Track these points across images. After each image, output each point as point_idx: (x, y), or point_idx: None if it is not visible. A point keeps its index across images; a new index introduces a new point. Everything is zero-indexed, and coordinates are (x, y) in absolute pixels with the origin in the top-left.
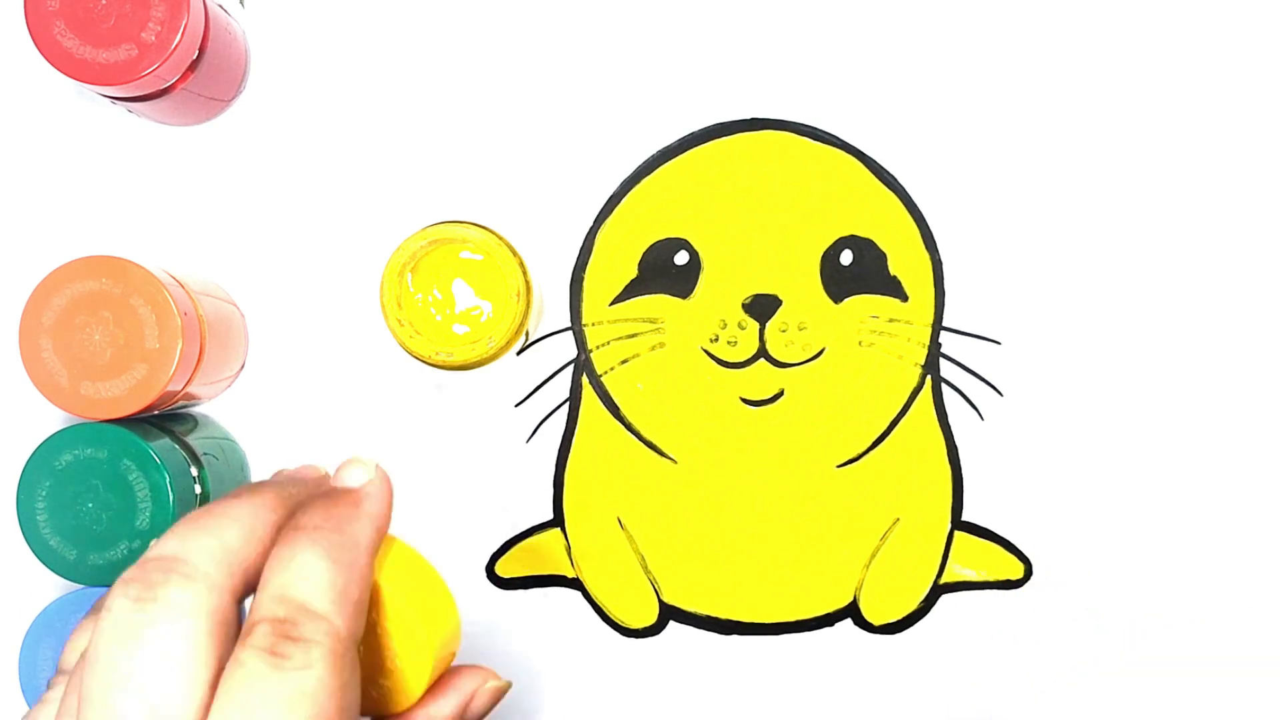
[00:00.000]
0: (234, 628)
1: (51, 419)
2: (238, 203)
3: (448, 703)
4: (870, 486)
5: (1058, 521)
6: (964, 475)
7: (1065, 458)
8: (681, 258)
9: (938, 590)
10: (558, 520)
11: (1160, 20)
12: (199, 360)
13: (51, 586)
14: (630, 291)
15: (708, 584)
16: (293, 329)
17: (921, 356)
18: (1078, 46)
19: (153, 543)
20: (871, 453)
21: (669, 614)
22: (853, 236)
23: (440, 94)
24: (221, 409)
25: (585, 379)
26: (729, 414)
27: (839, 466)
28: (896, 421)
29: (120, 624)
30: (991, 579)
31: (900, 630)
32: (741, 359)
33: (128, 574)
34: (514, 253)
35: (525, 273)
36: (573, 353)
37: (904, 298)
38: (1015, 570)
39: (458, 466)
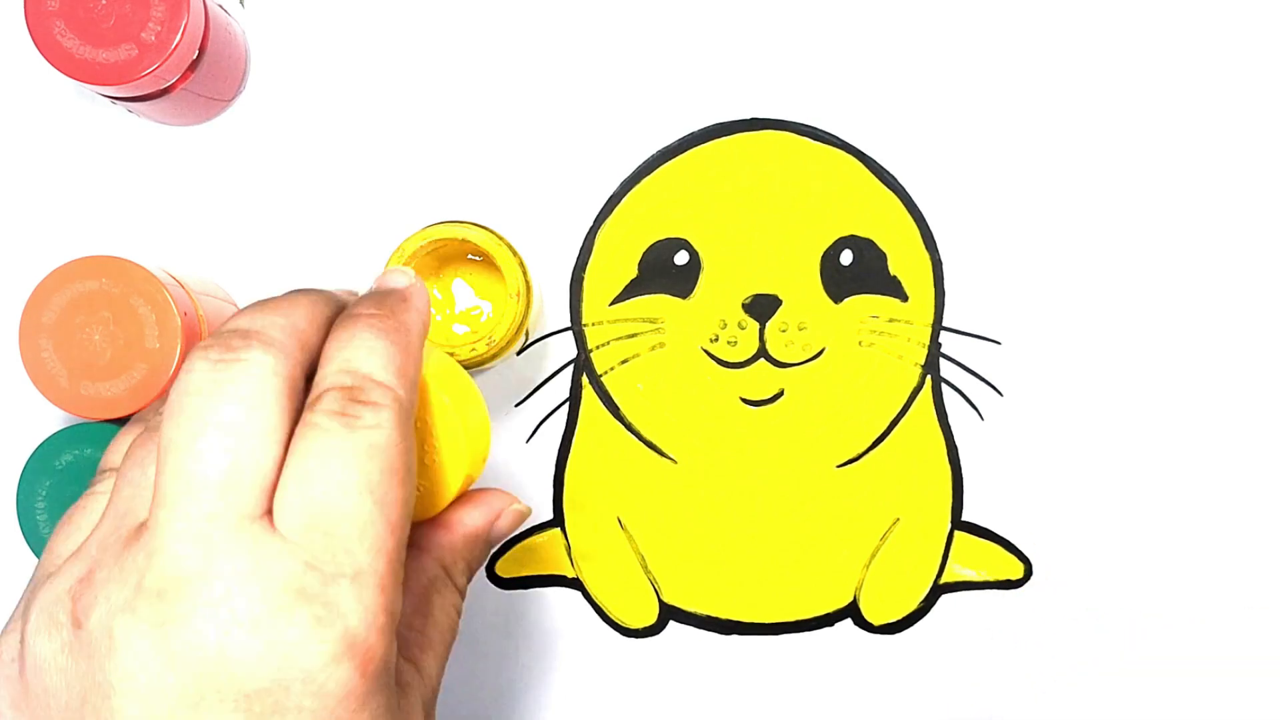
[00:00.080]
0: (301, 398)
1: (51, 419)
2: (238, 203)
3: (479, 513)
4: (870, 486)
5: (1058, 521)
6: (964, 475)
7: (1065, 458)
8: (681, 258)
9: (938, 590)
10: (558, 520)
11: (1160, 20)
12: None
13: None
14: (630, 291)
15: (708, 584)
16: None
17: (921, 356)
18: (1078, 46)
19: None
20: (871, 453)
21: (669, 614)
22: (853, 236)
23: (440, 94)
24: None
25: (585, 379)
26: (729, 414)
27: (839, 466)
28: (896, 421)
29: (202, 379)
30: (991, 579)
31: (900, 630)
32: (741, 359)
33: (205, 342)
34: (514, 253)
35: (525, 273)
36: (573, 353)
37: (904, 298)
38: (1015, 570)
39: None
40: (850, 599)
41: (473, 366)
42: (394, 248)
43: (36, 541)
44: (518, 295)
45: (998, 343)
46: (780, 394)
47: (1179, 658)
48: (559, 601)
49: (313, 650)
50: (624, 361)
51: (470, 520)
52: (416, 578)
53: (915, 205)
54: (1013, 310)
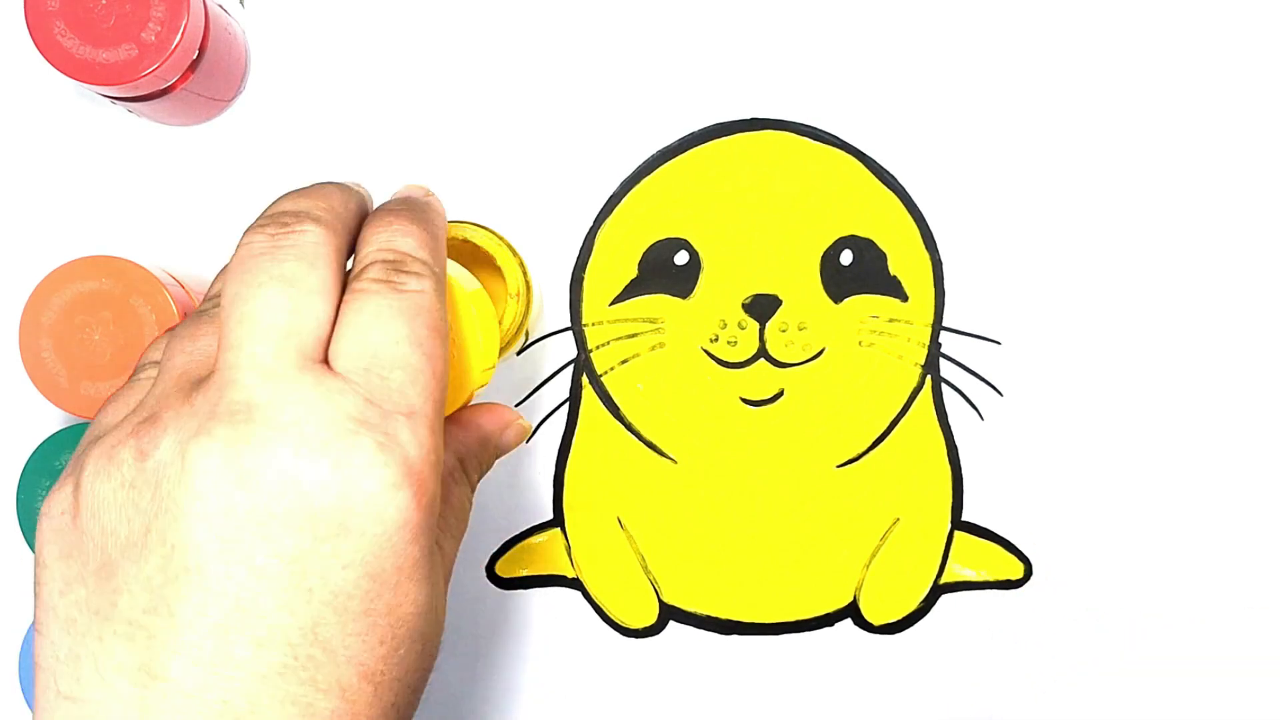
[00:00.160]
0: (345, 272)
1: (51, 419)
2: (238, 203)
3: (491, 418)
4: (870, 486)
5: (1058, 521)
6: (964, 475)
7: (1065, 458)
8: (681, 258)
9: (938, 590)
10: (558, 520)
11: (1160, 20)
12: None
13: None
14: (630, 291)
15: (708, 584)
16: None
17: (921, 356)
18: (1078, 47)
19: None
20: (871, 453)
21: (669, 614)
22: (853, 236)
23: (440, 94)
24: None
25: (585, 379)
26: (729, 414)
27: (839, 466)
28: (896, 421)
29: (262, 245)
30: (991, 579)
31: (900, 630)
32: (741, 359)
33: (257, 222)
34: (514, 253)
35: (525, 273)
36: (573, 353)
37: (904, 298)
38: (1015, 570)
39: None
40: (850, 599)
41: None
42: None
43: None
44: (518, 295)
45: (998, 343)
46: (780, 394)
47: (1179, 658)
48: (559, 601)
49: (376, 475)
50: (624, 361)
51: (484, 423)
52: None
53: (915, 205)
54: (1013, 310)
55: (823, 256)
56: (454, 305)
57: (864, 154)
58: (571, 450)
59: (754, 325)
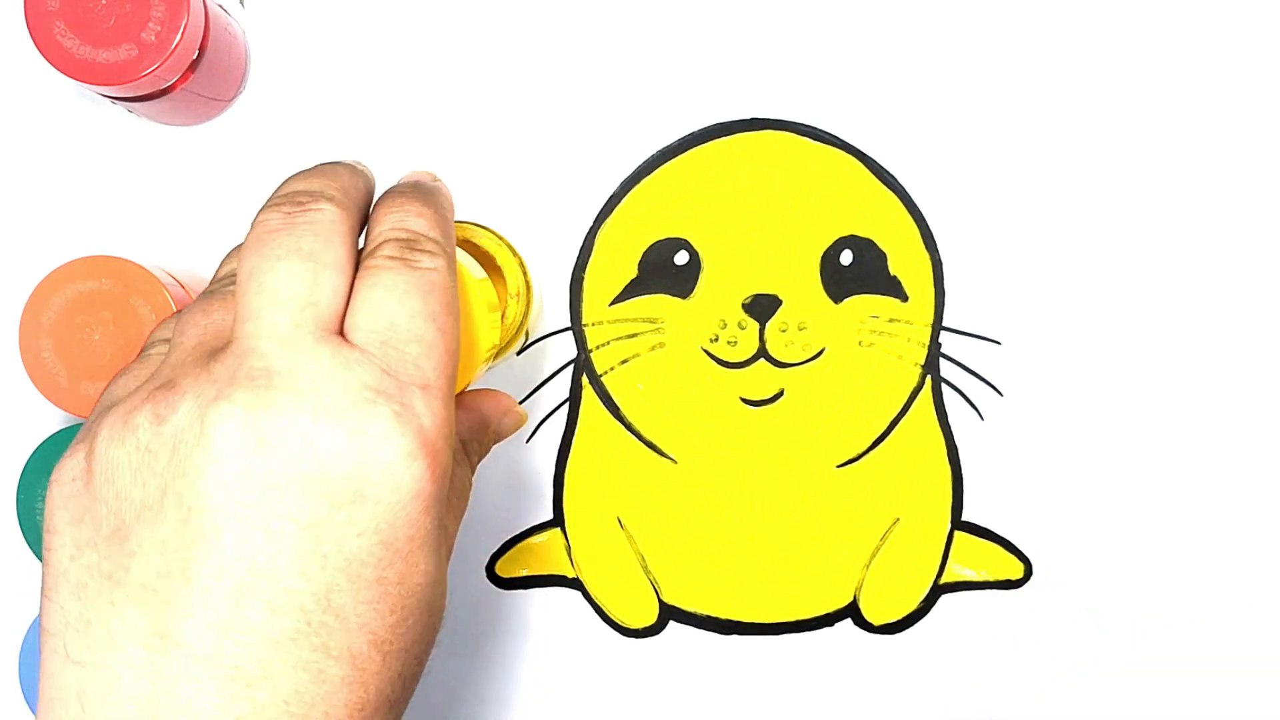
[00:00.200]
0: (358, 251)
1: (51, 419)
2: (238, 203)
3: (491, 403)
4: (870, 486)
5: (1058, 521)
6: (964, 475)
7: (1065, 458)
8: (681, 258)
9: (938, 590)
10: (558, 520)
11: (1160, 20)
12: None
13: None
14: (630, 291)
15: (708, 584)
16: None
17: (921, 356)
18: (1078, 47)
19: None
20: (871, 453)
21: (669, 614)
22: (853, 236)
23: (440, 94)
24: None
25: (585, 379)
26: (729, 414)
27: (839, 466)
28: (896, 421)
29: (279, 221)
30: (991, 579)
31: (900, 630)
32: (741, 359)
33: (271, 201)
34: (514, 253)
35: (525, 273)
36: (573, 353)
37: (904, 298)
38: (1015, 570)
39: None
40: (850, 599)
41: None
42: None
43: (36, 541)
44: (518, 295)
45: (998, 343)
46: (780, 394)
47: (1179, 658)
48: (559, 601)
49: (392, 444)
50: (624, 361)
51: (485, 407)
52: None
53: (915, 205)
54: (1013, 310)
55: (823, 256)
56: (463, 289)
57: (864, 154)
58: (571, 450)
59: (754, 325)
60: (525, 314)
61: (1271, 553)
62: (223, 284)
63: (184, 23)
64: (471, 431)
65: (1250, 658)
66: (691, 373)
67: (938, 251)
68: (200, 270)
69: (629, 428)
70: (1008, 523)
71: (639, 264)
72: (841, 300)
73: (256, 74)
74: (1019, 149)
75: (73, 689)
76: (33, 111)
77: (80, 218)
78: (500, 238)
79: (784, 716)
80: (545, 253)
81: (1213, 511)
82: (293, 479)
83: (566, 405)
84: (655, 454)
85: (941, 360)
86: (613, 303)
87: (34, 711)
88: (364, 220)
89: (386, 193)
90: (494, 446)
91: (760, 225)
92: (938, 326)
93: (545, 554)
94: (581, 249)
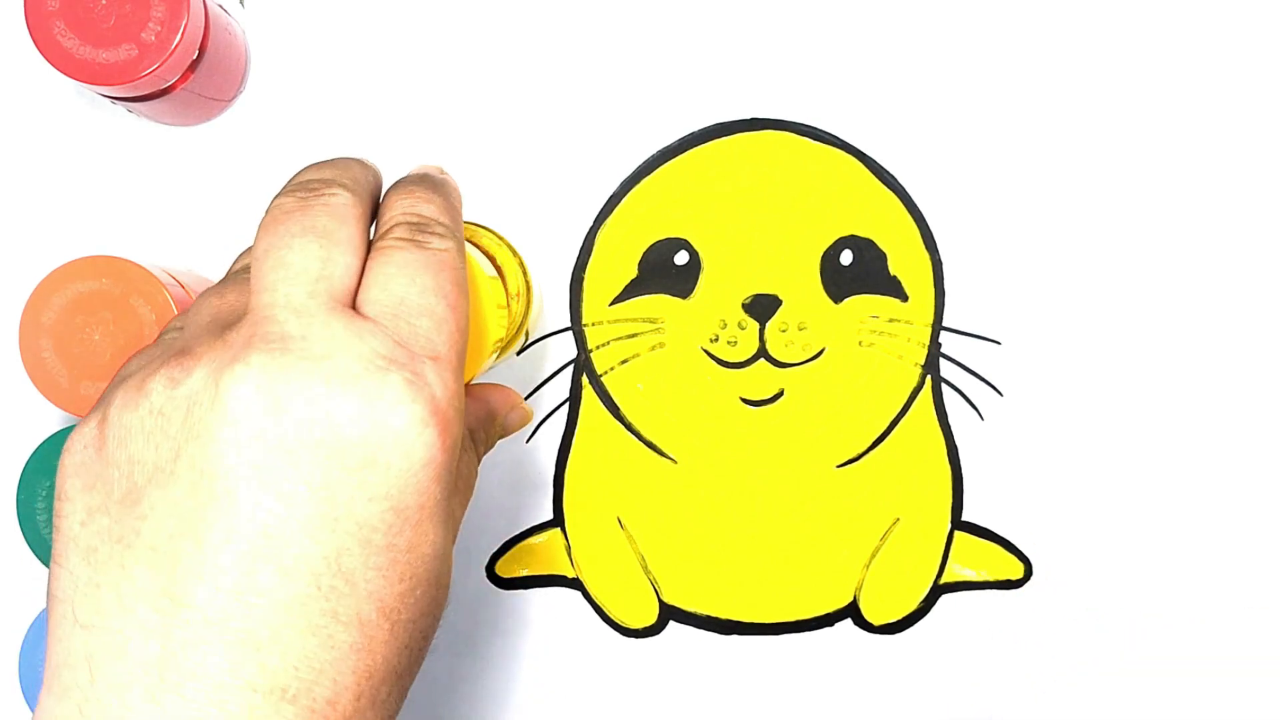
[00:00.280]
0: (369, 237)
1: (51, 419)
2: (238, 203)
3: (499, 396)
4: (870, 486)
5: (1058, 521)
6: (964, 475)
7: (1065, 458)
8: (681, 258)
9: (938, 590)
10: (558, 520)
11: (1160, 20)
12: None
13: None
14: (630, 291)
15: (708, 584)
16: None
17: (921, 356)
18: (1078, 47)
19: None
20: (871, 453)
21: (669, 614)
22: (853, 236)
23: (440, 94)
24: None
25: (585, 379)
26: (729, 414)
27: (839, 466)
28: (896, 421)
29: (293, 204)
30: (991, 579)
31: (900, 630)
32: (741, 359)
33: (286, 189)
34: (514, 253)
35: (525, 273)
36: (573, 353)
37: (904, 298)
38: (1015, 570)
39: None
40: (850, 599)
41: None
42: None
43: (36, 541)
44: (518, 295)
45: (998, 343)
46: (780, 394)
47: (1179, 658)
48: (559, 601)
49: (404, 411)
50: (624, 361)
51: (493, 399)
52: None
53: (915, 205)
54: (1013, 310)
55: (823, 256)
56: (473, 283)
57: (864, 154)
58: (571, 450)
59: (754, 325)
60: (525, 314)
61: (1271, 553)
62: (235, 274)
63: (184, 23)
64: (479, 421)
65: (1250, 658)
66: (691, 373)
67: (938, 251)
68: (200, 270)
69: (629, 428)
70: (1008, 523)
71: (639, 264)
72: (841, 300)
73: (256, 74)
74: (1019, 149)
75: (81, 653)
76: (33, 111)
77: (80, 218)
78: (500, 238)
79: (784, 716)
80: (545, 253)
81: (1213, 511)
82: (305, 443)
83: (566, 405)
84: (655, 454)
85: (941, 360)
86: (613, 303)
87: (34, 711)
88: (375, 210)
89: (397, 183)
90: (496, 444)
91: (760, 225)
92: (938, 326)
93: (545, 554)
94: (581, 249)
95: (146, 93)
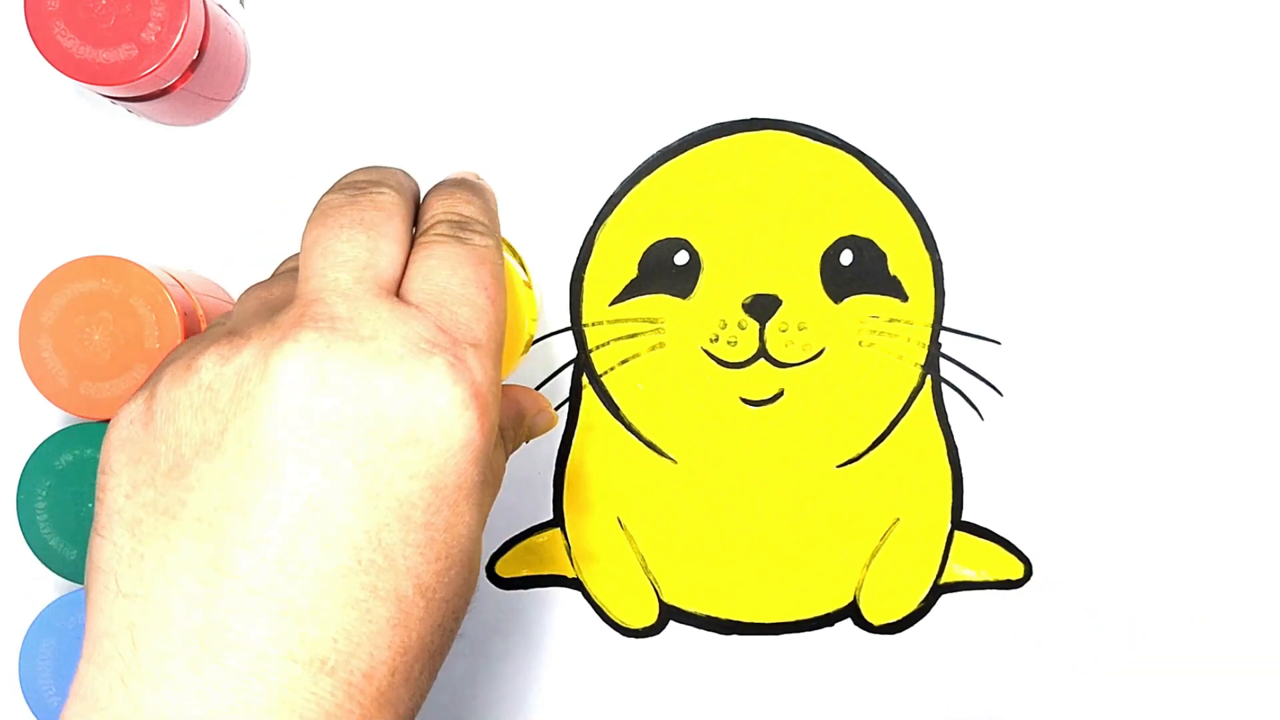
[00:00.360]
0: (412, 237)
1: (51, 419)
2: (238, 203)
3: (529, 398)
4: (870, 486)
5: (1058, 521)
6: (964, 475)
7: (1065, 458)
8: (681, 258)
9: (938, 590)
10: (558, 520)
11: (1160, 20)
12: None
13: (51, 586)
14: (630, 291)
15: (708, 584)
16: None
17: (921, 356)
18: (1078, 47)
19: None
20: (871, 453)
21: (669, 614)
22: (853, 236)
23: (440, 94)
24: None
25: (585, 379)
26: (729, 414)
27: (839, 466)
28: (896, 421)
29: (341, 199)
30: (991, 579)
31: (900, 630)
32: (741, 359)
33: (335, 186)
34: (514, 253)
35: (525, 273)
36: (573, 353)
37: (904, 298)
38: (1015, 570)
39: None
40: (850, 599)
41: None
42: None
43: (36, 541)
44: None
45: (998, 343)
46: (780, 394)
47: (1179, 658)
48: (559, 601)
49: (446, 392)
50: (624, 361)
51: (523, 400)
52: None
53: (915, 205)
54: (1013, 310)
55: (823, 256)
56: (511, 287)
57: (864, 154)
58: (571, 450)
59: (754, 325)
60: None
61: (1271, 553)
62: (283, 274)
63: (184, 23)
64: (509, 420)
65: (1250, 658)
66: (691, 373)
67: (938, 251)
68: (200, 270)
69: (629, 428)
70: (1008, 523)
71: (639, 264)
72: (841, 300)
73: (256, 74)
74: (1019, 149)
75: (123, 621)
76: (33, 111)
77: (80, 218)
78: (503, 239)
79: (784, 716)
80: (545, 253)
81: (1213, 511)
82: (351, 418)
83: (566, 405)
84: (655, 454)
85: (941, 360)
86: (613, 303)
87: (34, 712)
88: (416, 212)
89: (436, 186)
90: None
91: (760, 225)
92: (938, 326)
93: (545, 554)
94: (581, 249)
95: (146, 93)
